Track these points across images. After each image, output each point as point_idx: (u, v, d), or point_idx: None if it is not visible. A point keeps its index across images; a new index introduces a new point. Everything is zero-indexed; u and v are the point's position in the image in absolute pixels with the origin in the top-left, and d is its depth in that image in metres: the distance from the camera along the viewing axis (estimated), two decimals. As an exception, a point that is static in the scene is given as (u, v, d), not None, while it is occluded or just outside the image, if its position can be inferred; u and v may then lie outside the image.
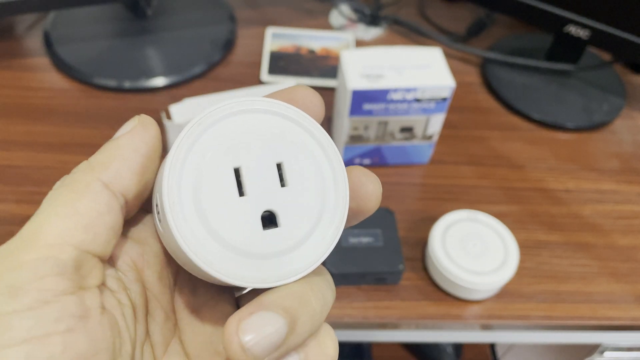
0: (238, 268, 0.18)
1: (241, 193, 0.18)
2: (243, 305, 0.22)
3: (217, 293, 0.22)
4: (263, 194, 0.18)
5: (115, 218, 0.17)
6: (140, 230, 0.20)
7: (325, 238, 0.19)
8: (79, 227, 0.16)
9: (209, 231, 0.18)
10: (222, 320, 0.21)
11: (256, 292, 0.22)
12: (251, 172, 0.18)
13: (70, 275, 0.16)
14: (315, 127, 0.19)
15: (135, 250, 0.20)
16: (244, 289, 0.23)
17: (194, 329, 0.21)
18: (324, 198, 0.19)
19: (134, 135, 0.18)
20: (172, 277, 0.21)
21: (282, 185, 0.19)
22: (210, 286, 0.22)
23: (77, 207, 0.17)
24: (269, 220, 0.19)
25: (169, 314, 0.20)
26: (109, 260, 0.19)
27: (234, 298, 0.22)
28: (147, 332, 0.19)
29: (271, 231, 0.18)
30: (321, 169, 0.19)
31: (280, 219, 0.18)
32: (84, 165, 0.18)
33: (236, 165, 0.18)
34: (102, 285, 0.18)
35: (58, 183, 0.18)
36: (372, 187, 0.19)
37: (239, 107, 0.19)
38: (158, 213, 0.18)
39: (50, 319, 0.15)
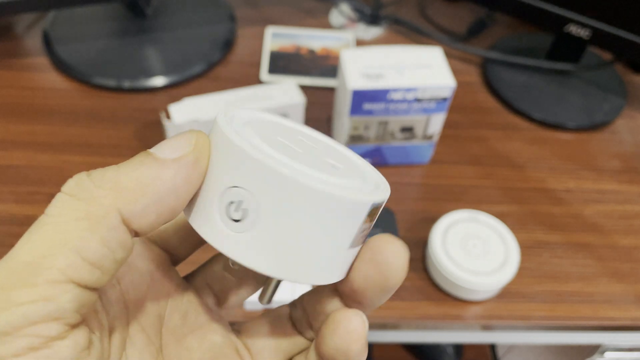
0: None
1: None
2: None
3: (208, 322, 0.21)
4: None
5: (126, 254, 0.16)
6: None
7: None
8: (86, 265, 0.15)
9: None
10: (210, 350, 0.20)
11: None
12: None
13: (67, 319, 0.14)
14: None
15: (120, 270, 0.18)
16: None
17: (180, 357, 0.20)
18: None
19: (180, 170, 0.16)
20: (161, 300, 0.20)
21: None
22: (201, 313, 0.21)
23: (88, 241, 0.15)
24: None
25: (153, 338, 0.19)
26: None
27: (224, 327, 0.21)
28: (126, 357, 0.18)
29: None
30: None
31: None
32: (111, 175, 0.15)
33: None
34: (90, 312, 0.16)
35: (69, 187, 0.15)
36: (393, 259, 0.17)
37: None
38: None
39: None
